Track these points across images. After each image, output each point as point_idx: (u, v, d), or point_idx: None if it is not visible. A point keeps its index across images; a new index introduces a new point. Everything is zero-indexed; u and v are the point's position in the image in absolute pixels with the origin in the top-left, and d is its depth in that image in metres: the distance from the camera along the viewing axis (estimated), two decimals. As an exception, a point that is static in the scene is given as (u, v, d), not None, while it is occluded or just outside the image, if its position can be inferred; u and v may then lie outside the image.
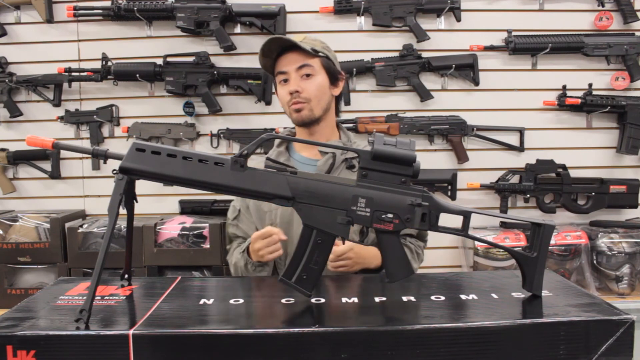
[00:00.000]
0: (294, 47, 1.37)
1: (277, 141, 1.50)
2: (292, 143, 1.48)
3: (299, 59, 1.38)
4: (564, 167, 2.39)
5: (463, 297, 0.93)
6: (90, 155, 0.92)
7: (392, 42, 2.44)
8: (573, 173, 2.40)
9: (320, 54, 1.40)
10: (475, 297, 0.93)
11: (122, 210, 0.87)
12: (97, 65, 2.38)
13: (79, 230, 2.22)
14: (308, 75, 1.38)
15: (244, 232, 1.47)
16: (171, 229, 2.24)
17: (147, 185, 1.00)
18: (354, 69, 2.37)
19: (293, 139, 0.97)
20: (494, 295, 0.94)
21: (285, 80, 1.40)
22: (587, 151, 2.49)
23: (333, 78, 1.43)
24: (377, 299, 0.93)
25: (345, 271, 1.31)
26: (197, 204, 2.42)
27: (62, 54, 2.45)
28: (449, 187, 2.37)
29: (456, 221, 0.94)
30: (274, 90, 1.52)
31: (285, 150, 1.46)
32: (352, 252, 1.29)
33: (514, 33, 2.40)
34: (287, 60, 1.38)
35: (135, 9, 2.32)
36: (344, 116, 2.40)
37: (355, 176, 0.92)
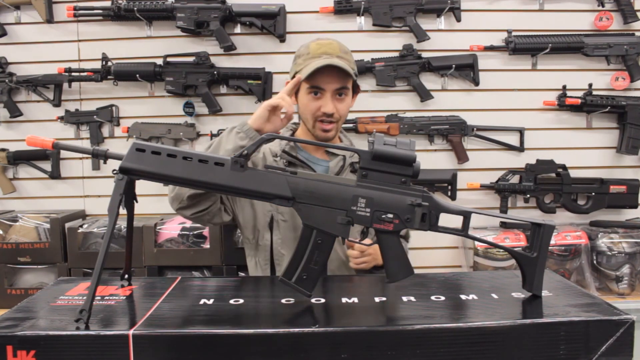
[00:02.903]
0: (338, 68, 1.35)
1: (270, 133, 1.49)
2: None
3: (339, 81, 1.37)
4: (564, 167, 2.39)
5: (463, 297, 0.93)
6: (90, 156, 0.92)
7: (392, 42, 2.44)
8: (573, 173, 2.40)
9: (356, 75, 1.41)
10: (475, 297, 0.93)
11: (122, 210, 0.87)
12: (97, 65, 2.38)
13: (79, 231, 2.22)
14: (340, 95, 1.40)
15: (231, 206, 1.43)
16: (171, 229, 2.24)
17: (147, 185, 1.00)
18: (354, 69, 2.37)
19: (293, 139, 0.97)
20: (494, 295, 0.94)
21: (316, 93, 1.39)
22: (587, 151, 2.49)
23: (354, 92, 1.46)
24: (377, 299, 0.93)
25: (364, 268, 1.32)
26: (197, 204, 2.42)
27: (62, 54, 2.45)
28: (449, 187, 2.37)
29: (456, 221, 0.94)
30: (293, 93, 1.45)
31: (294, 145, 1.46)
32: (371, 248, 1.30)
33: (514, 33, 2.40)
34: (328, 79, 1.37)
35: (135, 9, 2.32)
36: (344, 116, 2.40)
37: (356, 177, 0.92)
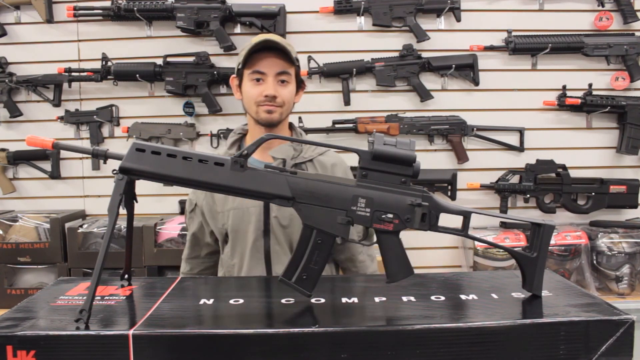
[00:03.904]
0: (277, 50, 1.37)
1: (229, 141, 1.50)
2: (244, 143, 1.48)
3: (280, 64, 1.38)
4: (564, 167, 2.39)
5: (463, 297, 0.93)
6: (90, 155, 0.91)
7: (392, 42, 2.44)
8: (573, 173, 2.40)
9: (297, 62, 1.42)
10: (475, 297, 0.93)
11: (122, 210, 0.87)
12: (97, 65, 2.38)
13: (79, 230, 2.22)
14: (283, 82, 1.39)
15: (194, 226, 1.50)
16: (171, 229, 2.24)
17: (147, 185, 0.99)
18: (354, 69, 2.37)
19: (292, 139, 0.97)
20: (494, 295, 0.94)
21: (258, 80, 1.38)
22: (587, 151, 2.49)
23: (298, 87, 1.46)
24: (377, 299, 0.93)
25: None
26: (197, 204, 2.42)
27: (62, 54, 2.45)
28: (449, 187, 2.37)
29: (456, 221, 0.94)
30: (235, 84, 1.47)
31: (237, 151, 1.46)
32: None
33: (514, 33, 2.40)
34: (268, 62, 1.37)
35: (135, 9, 2.32)
36: (344, 116, 2.40)
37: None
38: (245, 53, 1.38)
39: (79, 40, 2.47)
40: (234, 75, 1.47)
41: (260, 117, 1.40)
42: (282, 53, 1.37)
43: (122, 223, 1.02)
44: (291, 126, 1.52)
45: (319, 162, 1.45)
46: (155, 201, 2.45)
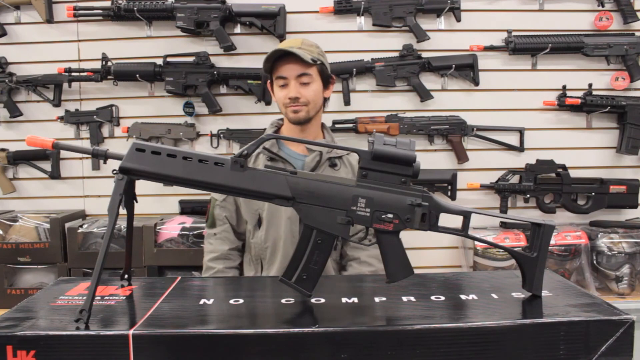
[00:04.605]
0: (294, 55, 1.45)
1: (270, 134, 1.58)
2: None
3: (298, 68, 1.48)
4: (564, 167, 2.39)
5: (463, 297, 0.94)
6: (90, 156, 0.92)
7: (392, 42, 2.44)
8: (573, 173, 2.40)
9: (318, 62, 1.49)
10: (475, 297, 0.93)
11: (122, 210, 0.87)
12: (97, 65, 2.38)
13: (79, 231, 2.22)
14: (305, 83, 1.49)
15: (229, 213, 1.57)
16: (171, 229, 2.24)
17: (147, 185, 1.00)
18: (354, 69, 2.37)
19: (292, 139, 0.97)
20: (494, 295, 0.94)
21: (284, 85, 1.50)
22: (587, 151, 2.49)
23: (325, 82, 1.56)
24: (377, 299, 0.93)
25: None
26: (197, 204, 2.42)
27: (62, 54, 2.45)
28: (449, 187, 2.37)
29: (456, 221, 0.94)
30: (269, 89, 1.63)
31: (276, 142, 1.56)
32: None
33: (514, 33, 2.40)
34: (287, 67, 1.48)
35: (135, 9, 2.32)
36: (344, 116, 2.40)
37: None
38: (265, 62, 1.50)
39: (79, 40, 2.47)
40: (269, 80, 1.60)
41: (289, 116, 1.53)
42: (298, 56, 1.45)
43: (122, 223, 1.02)
44: (323, 126, 1.64)
45: (347, 160, 1.56)
46: (155, 201, 2.45)
